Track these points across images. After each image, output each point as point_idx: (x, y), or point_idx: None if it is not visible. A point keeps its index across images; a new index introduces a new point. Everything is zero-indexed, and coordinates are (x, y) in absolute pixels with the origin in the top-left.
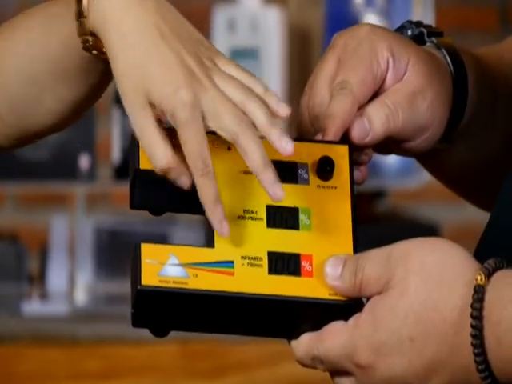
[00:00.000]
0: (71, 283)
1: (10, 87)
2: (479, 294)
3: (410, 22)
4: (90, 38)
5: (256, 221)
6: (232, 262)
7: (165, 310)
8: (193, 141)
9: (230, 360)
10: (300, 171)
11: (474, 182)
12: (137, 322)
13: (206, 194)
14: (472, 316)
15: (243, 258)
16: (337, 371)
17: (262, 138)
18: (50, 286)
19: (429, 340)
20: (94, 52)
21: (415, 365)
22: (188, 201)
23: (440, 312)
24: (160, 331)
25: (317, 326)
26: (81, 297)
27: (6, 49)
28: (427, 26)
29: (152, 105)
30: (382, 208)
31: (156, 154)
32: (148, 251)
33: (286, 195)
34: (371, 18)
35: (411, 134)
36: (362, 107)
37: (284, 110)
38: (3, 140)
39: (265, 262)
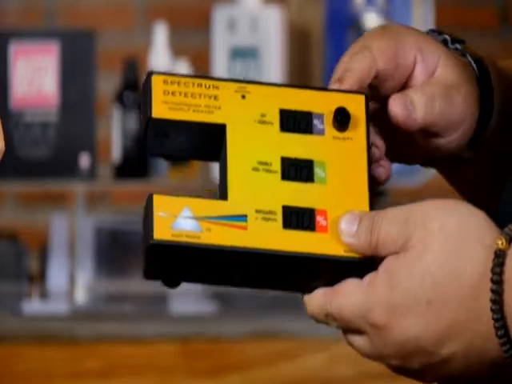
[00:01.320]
0: (71, 282)
1: None
2: (500, 258)
3: (433, 30)
4: None
5: (270, 173)
6: (245, 216)
7: (177, 264)
8: None
9: (230, 359)
10: (315, 121)
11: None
12: (148, 274)
13: None
14: (492, 280)
15: (257, 211)
16: (349, 329)
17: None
18: (49, 285)
19: (446, 304)
20: None
21: (431, 328)
22: (201, 149)
23: (459, 276)
24: (172, 282)
25: (331, 281)
26: (81, 296)
27: None
28: (449, 34)
29: None
30: (381, 207)
31: None
32: (160, 203)
33: (300, 146)
34: (371, 18)
35: (444, 128)
36: (399, 90)
37: None
38: None
39: (279, 217)
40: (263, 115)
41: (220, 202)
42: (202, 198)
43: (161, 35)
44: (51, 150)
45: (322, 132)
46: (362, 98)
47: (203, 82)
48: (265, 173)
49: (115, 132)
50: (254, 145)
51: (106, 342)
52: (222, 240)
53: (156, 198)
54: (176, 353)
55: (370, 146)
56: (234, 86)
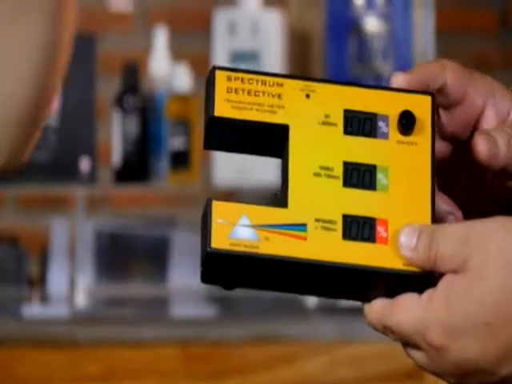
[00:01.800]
0: (71, 286)
1: None
2: None
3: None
4: None
5: (332, 179)
6: (305, 225)
7: (234, 271)
8: None
9: (230, 363)
10: (380, 123)
11: None
12: (206, 279)
13: None
14: None
15: (317, 220)
16: (408, 343)
17: (346, 84)
18: (50, 288)
19: (505, 326)
20: None
21: (489, 350)
22: (263, 146)
23: None
24: (229, 286)
25: (389, 293)
26: (81, 300)
27: None
28: None
29: None
30: None
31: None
32: (219, 210)
33: (363, 150)
34: (372, 21)
35: None
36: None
37: None
38: None
39: (339, 226)
40: (327, 116)
41: (279, 210)
42: (261, 205)
43: (161, 39)
44: (51, 154)
45: (386, 136)
46: (428, 99)
47: (267, 79)
48: (326, 178)
49: (115, 136)
50: (316, 148)
51: (106, 345)
52: (280, 250)
53: (215, 205)
54: (176, 356)
55: (434, 151)
56: (300, 84)
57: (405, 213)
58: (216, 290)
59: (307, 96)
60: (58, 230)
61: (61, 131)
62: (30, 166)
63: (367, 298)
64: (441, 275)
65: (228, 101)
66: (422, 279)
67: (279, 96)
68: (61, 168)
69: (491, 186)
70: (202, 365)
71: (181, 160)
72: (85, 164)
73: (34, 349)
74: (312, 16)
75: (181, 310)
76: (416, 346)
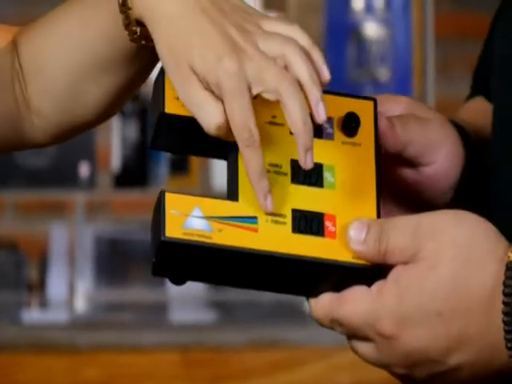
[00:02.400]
0: (71, 291)
1: (52, 84)
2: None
3: None
4: (138, 29)
5: (280, 175)
6: (256, 218)
7: (186, 262)
8: (239, 111)
9: (229, 368)
10: (325, 125)
11: None
12: (157, 271)
13: (251, 166)
14: (504, 293)
15: (267, 213)
16: (355, 335)
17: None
18: (49, 294)
19: (456, 316)
20: (143, 42)
21: (440, 339)
22: (209, 146)
23: (470, 289)
24: (179, 280)
25: (337, 287)
26: (80, 305)
27: (44, 45)
28: None
29: (196, 76)
30: None
31: (209, 113)
32: (172, 201)
33: None
34: (371, 26)
35: (423, 148)
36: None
37: (326, 75)
38: (41, 136)
39: (288, 220)
40: (274, 116)
41: (230, 203)
42: (213, 197)
43: None
44: (51, 159)
45: (331, 137)
46: (370, 104)
47: None
48: (275, 175)
49: (115, 141)
50: (264, 146)
51: (105, 350)
52: (233, 241)
53: (168, 196)
54: (176, 362)
55: (378, 151)
56: None
57: (352, 208)
58: (215, 294)
59: (255, 97)
60: (58, 235)
61: None
62: (29, 171)
63: (314, 293)
64: (390, 267)
65: (177, 99)
66: (371, 272)
67: None
68: (60, 173)
69: (389, 177)
70: (202, 370)
71: (180, 165)
72: (84, 169)
73: (33, 354)
74: (311, 21)
75: (180, 315)
76: (364, 338)
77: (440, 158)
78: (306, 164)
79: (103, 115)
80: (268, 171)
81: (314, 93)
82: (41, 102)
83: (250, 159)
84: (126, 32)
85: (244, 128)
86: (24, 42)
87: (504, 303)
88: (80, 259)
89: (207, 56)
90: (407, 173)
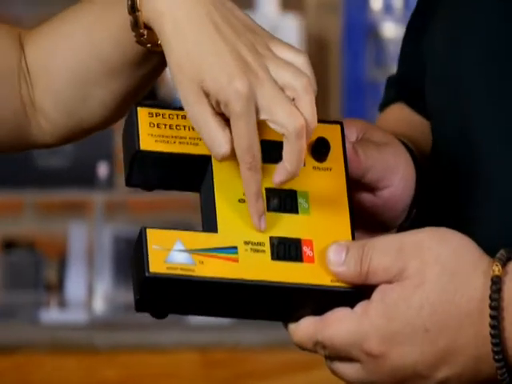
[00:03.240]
0: (89, 291)
1: (58, 86)
2: (497, 284)
3: None
4: (145, 32)
5: None
6: (236, 248)
7: (170, 296)
8: (244, 133)
9: (248, 368)
10: None
11: None
12: (140, 307)
13: (250, 187)
14: (491, 307)
15: (246, 243)
16: (339, 357)
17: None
18: (68, 294)
19: (443, 331)
20: (149, 45)
21: (427, 354)
22: (184, 179)
23: (456, 304)
24: (161, 314)
25: (318, 311)
26: (99, 305)
27: (52, 47)
28: None
29: (207, 94)
30: None
31: (217, 141)
32: (154, 236)
33: None
34: (389, 26)
35: (382, 171)
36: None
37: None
38: (48, 137)
39: (267, 248)
40: None
41: (210, 235)
42: (193, 230)
43: None
44: (69, 160)
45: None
46: (337, 127)
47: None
48: None
49: None
50: (238, 176)
51: (124, 351)
52: (215, 273)
53: (149, 232)
54: (194, 362)
55: (348, 174)
56: None
57: (327, 232)
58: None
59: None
60: (76, 236)
61: None
62: (48, 171)
63: (294, 318)
64: (370, 288)
65: (151, 135)
66: (351, 294)
67: None
68: (79, 174)
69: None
70: (220, 370)
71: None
72: (103, 170)
73: (51, 354)
74: (330, 21)
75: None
76: (348, 359)
77: (395, 180)
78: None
79: (110, 118)
80: (243, 201)
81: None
82: (47, 104)
83: (250, 181)
84: (133, 33)
85: (248, 151)
86: (31, 44)
87: (491, 316)
88: (99, 259)
89: (219, 76)
90: (364, 197)
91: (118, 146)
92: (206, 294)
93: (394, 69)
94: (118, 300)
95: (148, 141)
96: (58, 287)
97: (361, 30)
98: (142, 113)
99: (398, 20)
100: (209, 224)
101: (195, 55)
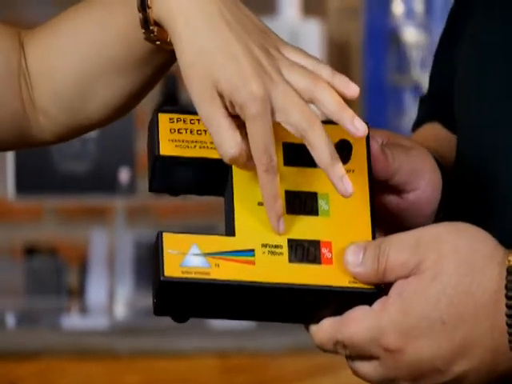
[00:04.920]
0: (111, 297)
1: (60, 85)
2: None
3: None
4: (155, 29)
5: None
6: (253, 251)
7: (187, 299)
8: (260, 135)
9: (268, 374)
10: None
11: None
12: (159, 310)
13: (267, 189)
14: (507, 296)
15: (264, 246)
16: (359, 356)
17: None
18: (89, 299)
19: (460, 323)
20: (158, 43)
21: (444, 348)
22: (206, 184)
23: (472, 295)
24: (181, 318)
25: (337, 312)
26: (120, 311)
27: (53, 46)
28: None
29: (220, 95)
30: None
31: (227, 143)
32: (170, 241)
33: (304, 179)
34: (410, 31)
35: (409, 175)
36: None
37: (353, 90)
38: (47, 135)
39: (285, 250)
40: None
41: (227, 238)
42: (210, 234)
43: None
44: (91, 165)
45: None
46: None
47: None
48: None
49: None
50: (258, 179)
51: (145, 356)
52: (230, 275)
53: (166, 236)
54: (215, 367)
55: (371, 176)
56: None
57: (347, 234)
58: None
59: None
60: (98, 241)
61: (100, 142)
62: (70, 176)
63: (314, 320)
64: (389, 286)
65: (172, 141)
66: (370, 294)
67: None
68: (100, 179)
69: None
70: (240, 375)
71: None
72: (124, 175)
73: (73, 360)
74: (351, 26)
75: (219, 321)
76: (368, 357)
77: (422, 184)
78: (346, 191)
79: (112, 117)
80: (262, 204)
81: (346, 115)
82: (47, 103)
83: (267, 183)
84: (143, 30)
85: (265, 153)
86: (32, 44)
87: (507, 306)
88: (120, 265)
89: (233, 77)
90: (390, 199)
91: (139, 152)
92: (221, 297)
93: (415, 73)
94: (139, 305)
95: (168, 146)
96: (79, 293)
97: (382, 34)
98: (163, 119)
99: (419, 25)
100: (228, 227)
101: (208, 52)
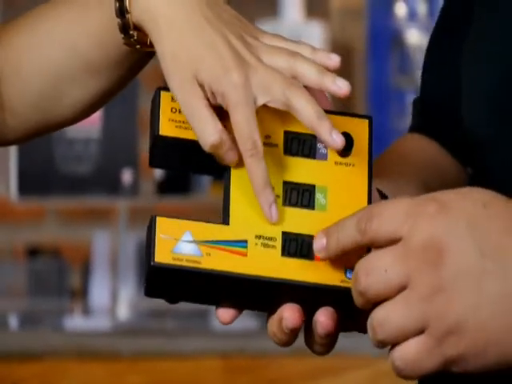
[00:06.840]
0: (113, 298)
1: (31, 83)
2: None
3: None
4: (135, 33)
5: None
6: (245, 242)
7: (176, 285)
8: (243, 122)
9: (271, 375)
10: (319, 145)
11: None
12: (149, 293)
13: (255, 175)
14: None
15: (257, 237)
16: (383, 238)
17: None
18: (92, 301)
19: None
20: (138, 46)
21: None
22: (205, 165)
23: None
24: (171, 300)
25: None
26: (123, 312)
27: (24, 45)
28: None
29: (201, 85)
30: None
31: (207, 130)
32: (163, 225)
33: (303, 170)
34: (413, 33)
35: None
36: None
37: (334, 60)
38: (11, 133)
39: (278, 243)
40: (268, 137)
41: (221, 227)
42: (205, 221)
43: None
44: (94, 166)
45: (324, 157)
46: (365, 123)
47: None
48: None
49: None
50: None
51: (148, 357)
52: (221, 266)
53: (159, 220)
54: (217, 368)
55: (371, 172)
56: None
57: None
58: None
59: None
60: (100, 242)
61: (103, 143)
62: (72, 178)
63: (304, 313)
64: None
65: (172, 120)
66: None
67: None
68: (103, 180)
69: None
70: (243, 376)
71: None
72: (127, 176)
73: (75, 361)
74: (354, 28)
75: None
76: (392, 241)
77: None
78: (337, 144)
79: (81, 116)
80: None
81: (327, 78)
82: (15, 102)
83: (254, 169)
84: (121, 36)
85: (248, 138)
86: (2, 40)
87: None
88: (123, 266)
89: (213, 67)
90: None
91: (142, 153)
92: (211, 286)
93: (418, 75)
94: (142, 306)
95: (168, 126)
96: (81, 294)
97: (385, 36)
98: (165, 97)
99: (422, 27)
100: (223, 216)
101: (189, 47)
